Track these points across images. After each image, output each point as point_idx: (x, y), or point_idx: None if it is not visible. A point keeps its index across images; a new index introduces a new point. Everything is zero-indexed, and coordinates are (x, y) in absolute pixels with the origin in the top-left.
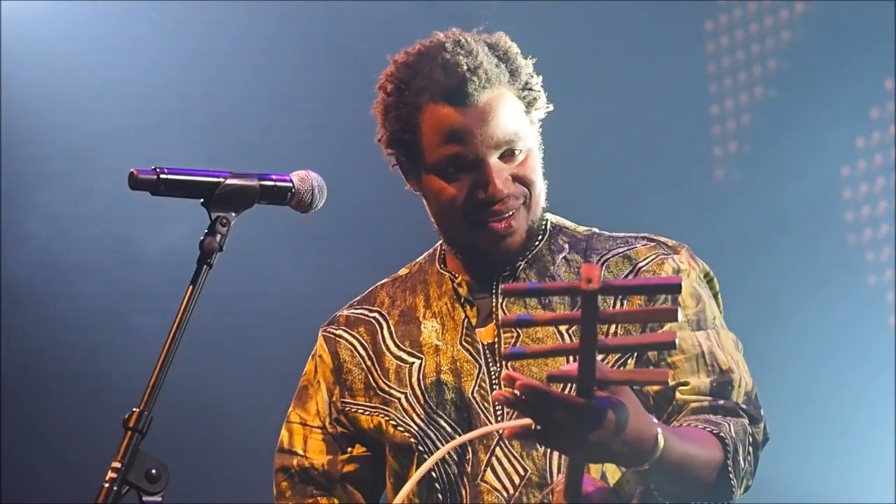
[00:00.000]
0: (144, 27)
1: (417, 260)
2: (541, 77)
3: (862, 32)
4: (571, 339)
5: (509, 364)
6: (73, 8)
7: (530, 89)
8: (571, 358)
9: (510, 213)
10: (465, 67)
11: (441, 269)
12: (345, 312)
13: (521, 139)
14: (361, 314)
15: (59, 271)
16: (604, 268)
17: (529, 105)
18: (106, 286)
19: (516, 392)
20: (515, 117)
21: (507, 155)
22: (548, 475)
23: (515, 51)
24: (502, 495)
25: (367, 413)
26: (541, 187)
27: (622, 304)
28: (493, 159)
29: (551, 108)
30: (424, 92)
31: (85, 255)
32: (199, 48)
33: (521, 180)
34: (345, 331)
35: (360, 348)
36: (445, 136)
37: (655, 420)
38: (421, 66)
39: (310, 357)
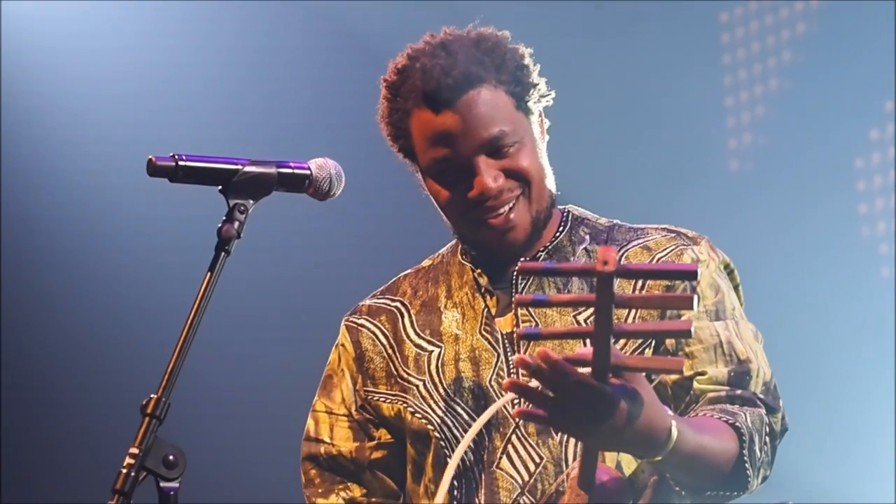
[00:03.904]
0: (148, 23)
1: (440, 251)
2: (538, 66)
3: (877, 24)
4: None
5: (525, 349)
6: (75, 7)
7: (520, 81)
8: (588, 345)
9: (506, 207)
10: (441, 70)
11: (462, 259)
12: (367, 302)
13: (508, 134)
14: (383, 303)
15: (64, 263)
16: (623, 258)
17: (520, 97)
18: (115, 278)
19: (538, 362)
20: (500, 112)
21: (497, 151)
22: (563, 463)
23: (504, 43)
24: (517, 482)
25: (388, 401)
26: (542, 176)
27: (641, 292)
28: (481, 157)
29: (553, 95)
30: (409, 97)
31: (89, 249)
32: (206, 42)
33: (514, 173)
34: (367, 320)
35: (381, 337)
36: (430, 140)
37: (670, 412)
38: (407, 71)
39: (333, 347)
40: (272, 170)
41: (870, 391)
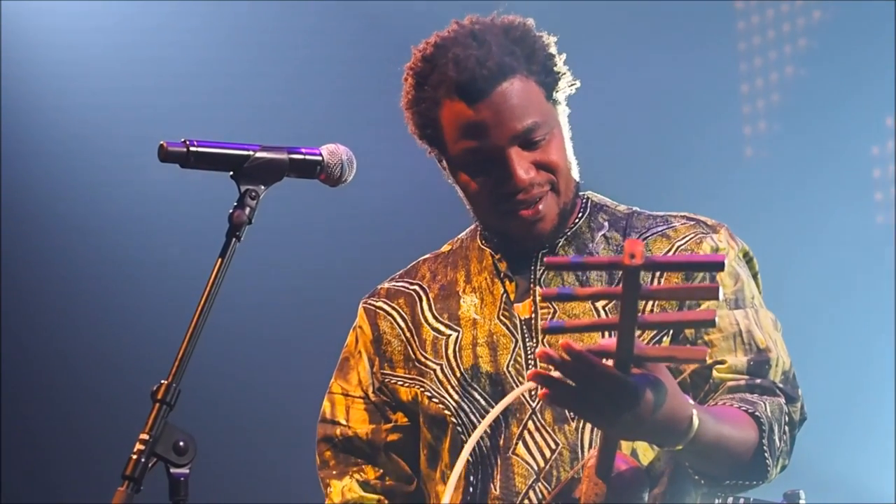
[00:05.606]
0: (152, 20)
1: (459, 236)
2: (564, 55)
3: (893, 12)
4: (608, 316)
5: (546, 339)
6: (76, 6)
7: (550, 71)
8: (608, 335)
9: (537, 199)
10: (476, 61)
11: (482, 244)
12: (386, 285)
13: (540, 125)
14: (402, 287)
15: (75, 249)
16: None
17: (549, 87)
18: (126, 264)
19: (562, 354)
20: (532, 104)
21: (528, 142)
22: (579, 450)
23: (532, 32)
24: (532, 468)
25: (406, 385)
26: (568, 168)
27: (660, 281)
28: (514, 149)
29: (577, 84)
30: (440, 87)
31: (99, 235)
32: (214, 31)
33: (545, 166)
34: (385, 303)
35: (399, 320)
36: (462, 131)
37: (691, 400)
38: (437, 60)
39: (351, 329)
40: (283, 156)
41: (883, 378)
